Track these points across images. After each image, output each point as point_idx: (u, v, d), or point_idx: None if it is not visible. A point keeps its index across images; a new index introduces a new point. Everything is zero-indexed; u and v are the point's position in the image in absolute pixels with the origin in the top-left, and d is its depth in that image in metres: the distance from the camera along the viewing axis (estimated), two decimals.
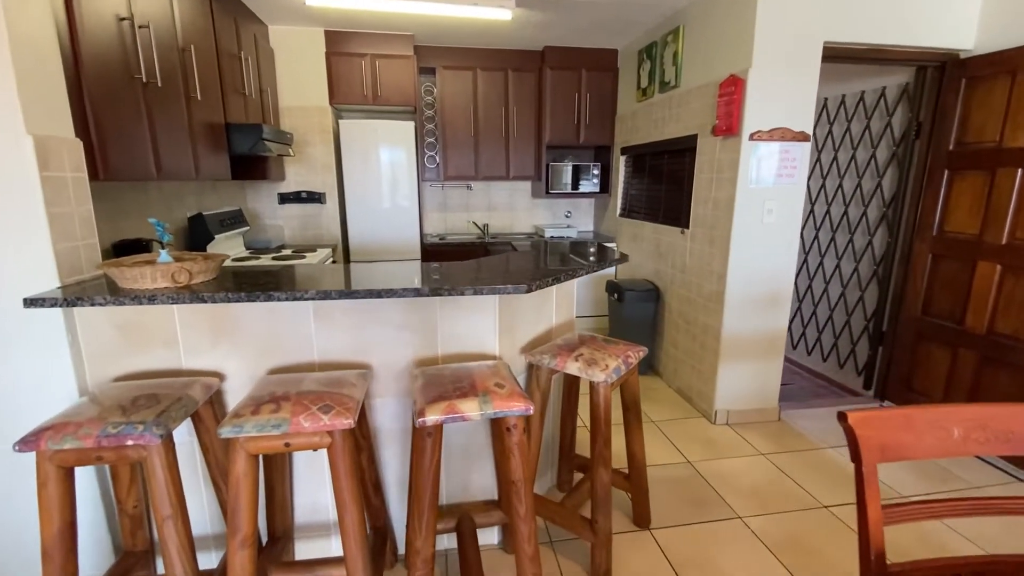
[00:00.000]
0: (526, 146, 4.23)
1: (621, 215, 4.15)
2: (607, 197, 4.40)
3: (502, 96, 4.11)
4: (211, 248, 2.79)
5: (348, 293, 1.45)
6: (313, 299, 1.44)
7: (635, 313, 3.41)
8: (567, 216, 4.75)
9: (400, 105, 3.81)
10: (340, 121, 3.69)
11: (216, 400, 1.62)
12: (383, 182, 3.82)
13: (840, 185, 3.38)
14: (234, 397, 1.65)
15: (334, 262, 3.46)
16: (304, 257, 3.05)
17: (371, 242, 3.91)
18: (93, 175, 1.63)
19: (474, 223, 4.49)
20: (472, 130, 4.12)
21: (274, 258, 2.98)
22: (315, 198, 3.81)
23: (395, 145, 3.78)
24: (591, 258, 2.04)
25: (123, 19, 1.78)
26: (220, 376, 1.62)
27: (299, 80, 3.64)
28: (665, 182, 3.43)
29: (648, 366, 3.59)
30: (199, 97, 2.30)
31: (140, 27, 1.87)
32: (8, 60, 1.33)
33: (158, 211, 2.54)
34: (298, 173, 3.78)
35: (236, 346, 1.61)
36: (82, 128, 1.60)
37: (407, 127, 3.76)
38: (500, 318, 1.74)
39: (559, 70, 4.06)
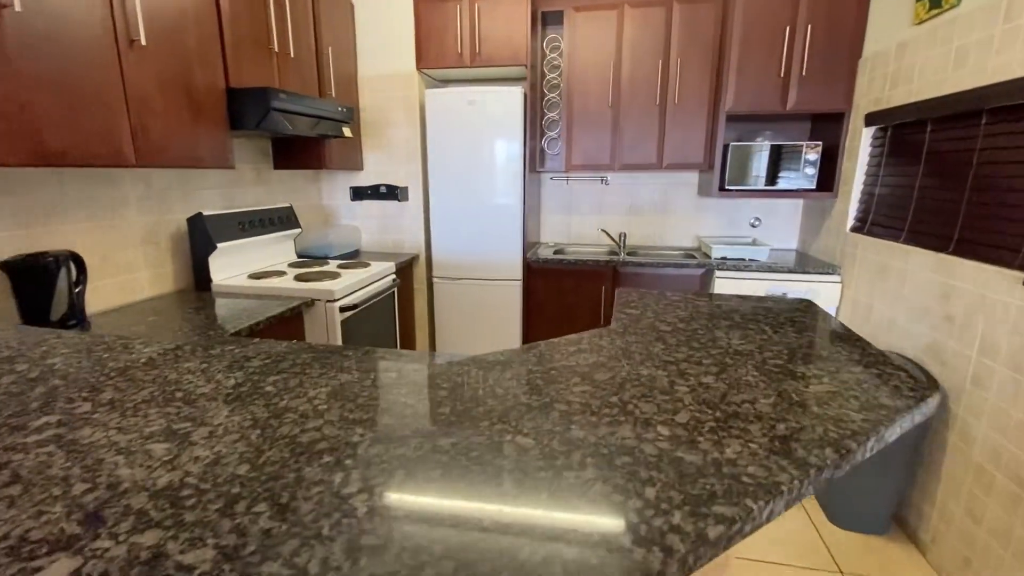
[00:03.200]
0: (692, 118, 2.78)
1: (855, 229, 2.43)
2: (830, 198, 2.69)
3: (661, 43, 2.73)
4: (216, 261, 2.09)
5: None
6: None
7: None
8: (754, 225, 3.14)
9: (507, 65, 2.73)
10: (426, 92, 2.76)
11: None
12: (475, 172, 2.79)
13: None
14: None
15: (395, 279, 2.56)
16: (337, 276, 2.18)
17: (457, 253, 2.93)
18: None
19: (604, 232, 3.20)
20: (610, 98, 2.83)
21: (298, 277, 2.17)
22: (394, 193, 2.97)
23: (495, 120, 2.71)
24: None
25: None
26: None
27: (383, 40, 2.80)
28: (974, 173, 1.70)
29: (893, 517, 1.92)
30: (143, 42, 1.53)
31: None
32: None
33: (141, 209, 1.89)
34: (378, 161, 2.98)
35: None
36: None
37: (512, 95, 2.66)
38: None
39: None
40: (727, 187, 2.77)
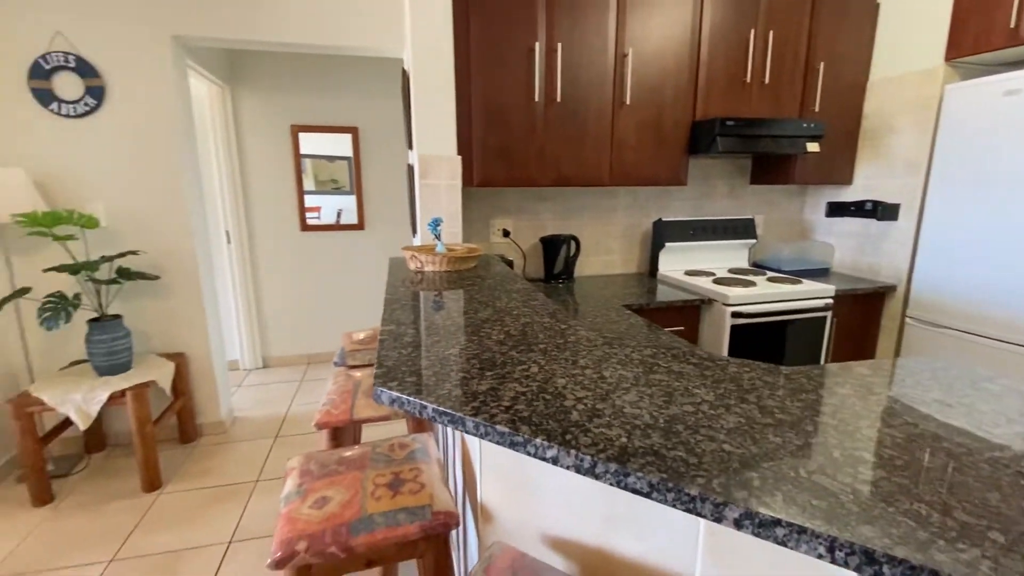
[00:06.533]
0: None
1: None
2: None
3: None
4: (664, 256, 2.68)
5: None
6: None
7: None
8: None
9: None
10: (947, 87, 2.19)
11: None
12: (1004, 186, 2.00)
13: None
14: None
15: (827, 304, 2.31)
16: (751, 285, 2.28)
17: (948, 292, 2.22)
18: (469, 182, 2.17)
19: None
20: None
21: (717, 280, 2.43)
22: (875, 211, 2.55)
23: None
24: None
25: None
26: None
27: (904, 36, 2.42)
28: None
29: None
30: (628, 102, 2.23)
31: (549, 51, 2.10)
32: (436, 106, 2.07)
33: (625, 213, 2.72)
34: (870, 175, 2.64)
35: None
36: (466, 146, 2.14)
37: None
38: None
39: None
40: None
